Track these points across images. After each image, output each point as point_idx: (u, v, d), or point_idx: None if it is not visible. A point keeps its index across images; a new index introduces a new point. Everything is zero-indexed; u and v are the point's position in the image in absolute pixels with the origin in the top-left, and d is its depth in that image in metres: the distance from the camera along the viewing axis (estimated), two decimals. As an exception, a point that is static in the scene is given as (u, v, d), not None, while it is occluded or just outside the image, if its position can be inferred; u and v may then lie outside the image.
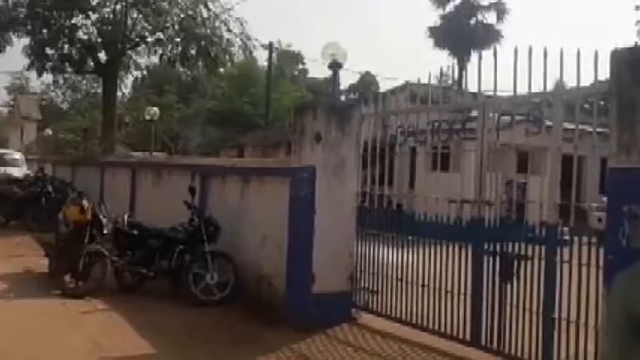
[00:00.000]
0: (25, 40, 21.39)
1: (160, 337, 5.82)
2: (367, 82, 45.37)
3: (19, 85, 54.74)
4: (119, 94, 26.53)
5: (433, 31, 36.50)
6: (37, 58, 21.49)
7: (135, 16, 21.73)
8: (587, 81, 4.65)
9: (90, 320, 6.41)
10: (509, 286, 5.04)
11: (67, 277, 7.47)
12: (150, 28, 22.05)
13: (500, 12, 35.90)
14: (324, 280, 6.27)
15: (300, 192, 6.51)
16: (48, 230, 10.06)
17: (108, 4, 21.48)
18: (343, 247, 6.42)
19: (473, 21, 35.97)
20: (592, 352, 4.25)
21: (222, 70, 25.72)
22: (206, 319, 6.62)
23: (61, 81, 28.59)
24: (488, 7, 36.09)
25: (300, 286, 6.37)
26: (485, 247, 5.26)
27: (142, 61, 24.08)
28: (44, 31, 20.92)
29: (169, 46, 22.26)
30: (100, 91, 26.13)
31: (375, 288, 6.40)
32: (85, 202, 8.02)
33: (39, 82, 58.25)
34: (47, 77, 26.13)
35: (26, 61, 21.79)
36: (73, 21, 21.35)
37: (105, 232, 7.92)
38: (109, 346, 5.57)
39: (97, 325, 6.20)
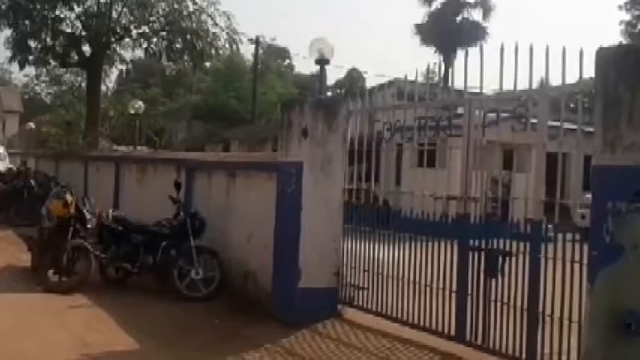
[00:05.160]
0: (7, 32, 21.09)
1: (144, 333, 5.79)
2: (354, 78, 45.40)
3: (0, 77, 53.93)
4: (103, 87, 26.26)
5: (420, 29, 36.61)
6: (20, 51, 21.17)
7: (119, 8, 21.49)
8: (572, 79, 4.70)
9: (74, 316, 6.35)
10: (494, 282, 5.08)
11: (51, 272, 7.40)
12: (135, 21, 21.82)
13: (486, 9, 36.09)
14: (310, 276, 6.27)
15: (287, 187, 6.50)
16: (31, 225, 9.95)
17: (92, -4, 21.23)
18: (330, 243, 6.43)
19: (459, 18, 36.13)
20: (575, 347, 4.30)
21: (207, 64, 25.54)
22: (191, 314, 6.60)
23: (45, 74, 28.16)
24: (474, 5, 36.25)
25: (287, 281, 6.37)
26: (471, 243, 5.30)
27: (127, 54, 23.89)
28: (27, 22, 20.60)
29: (155, 40, 22.07)
30: (84, 84, 25.81)
31: (362, 284, 6.41)
32: (68, 197, 7.94)
33: (21, 74, 57.48)
34: (30, 70, 25.76)
35: (8, 53, 21.52)
36: (57, 13, 21.06)
37: (89, 226, 7.85)
38: (93, 341, 5.52)
39: (81, 321, 6.14)
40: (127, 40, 22.34)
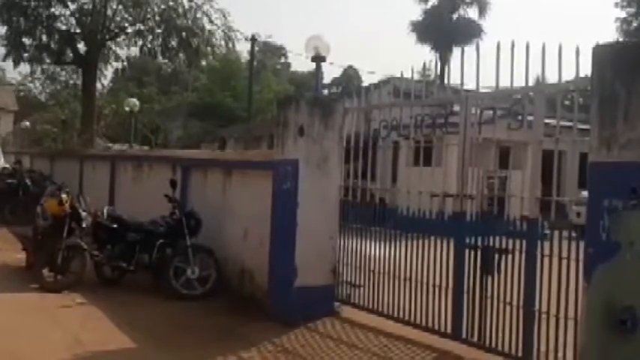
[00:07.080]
0: (1, 29, 21.01)
1: (140, 332, 5.77)
2: (350, 76, 45.41)
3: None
4: (99, 85, 26.18)
5: (416, 26, 36.62)
6: (14, 48, 21.09)
7: (114, 6, 21.42)
8: (568, 76, 4.70)
9: (69, 315, 6.32)
10: (490, 279, 5.08)
11: (46, 271, 7.37)
12: (130, 18, 21.77)
13: (482, 7, 36.15)
14: (306, 274, 6.26)
15: (283, 185, 6.49)
16: (26, 223, 9.88)
17: (87, -7, 21.15)
18: (326, 241, 6.42)
19: (455, 16, 36.16)
20: (571, 344, 4.30)
21: (203, 62, 25.51)
22: (187, 313, 6.58)
23: (39, 72, 28.04)
24: (470, 3, 36.30)
25: (283, 280, 6.36)
26: (467, 240, 5.30)
27: (122, 52, 23.82)
28: (21, 20, 20.51)
29: (150, 38, 22.01)
30: (79, 82, 25.72)
31: (358, 282, 6.41)
32: (63, 195, 7.90)
33: (16, 72, 57.25)
34: (24, 68, 25.64)
35: (2, 51, 21.44)
36: (51, 10, 20.97)
37: (84, 225, 7.81)
38: (88, 340, 5.49)
39: (77, 320, 6.11)
40: (122, 37, 22.30)
